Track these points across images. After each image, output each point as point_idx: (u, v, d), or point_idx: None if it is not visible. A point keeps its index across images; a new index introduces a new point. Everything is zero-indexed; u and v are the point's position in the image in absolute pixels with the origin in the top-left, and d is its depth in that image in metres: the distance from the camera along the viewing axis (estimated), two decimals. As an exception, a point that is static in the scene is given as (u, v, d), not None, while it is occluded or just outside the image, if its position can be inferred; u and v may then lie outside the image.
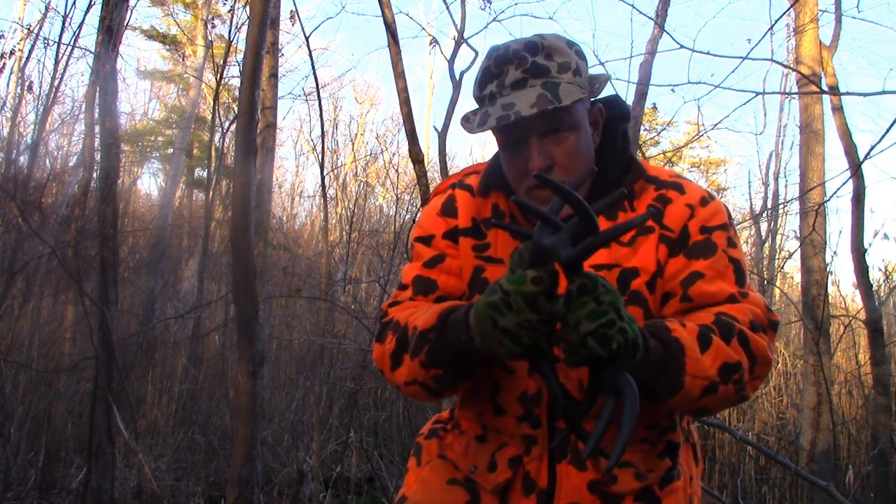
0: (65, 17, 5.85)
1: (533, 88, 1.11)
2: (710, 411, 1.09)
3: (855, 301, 7.23)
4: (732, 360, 1.04)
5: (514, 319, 0.97)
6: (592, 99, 1.22)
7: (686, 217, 1.18)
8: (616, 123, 1.25)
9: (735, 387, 1.05)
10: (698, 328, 1.05)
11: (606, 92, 1.25)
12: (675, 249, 1.17)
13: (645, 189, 1.21)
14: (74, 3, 6.86)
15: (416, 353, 1.12)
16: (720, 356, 1.04)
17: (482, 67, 1.17)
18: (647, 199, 1.20)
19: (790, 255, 9.09)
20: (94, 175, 4.99)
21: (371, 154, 13.82)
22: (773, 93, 10.04)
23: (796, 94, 6.55)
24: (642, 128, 8.32)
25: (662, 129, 12.36)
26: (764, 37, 7.42)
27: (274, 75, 5.25)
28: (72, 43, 5.79)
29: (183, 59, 12.69)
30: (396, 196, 9.74)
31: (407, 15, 11.55)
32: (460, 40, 4.62)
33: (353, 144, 14.25)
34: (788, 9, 5.80)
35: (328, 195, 8.14)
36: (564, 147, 1.14)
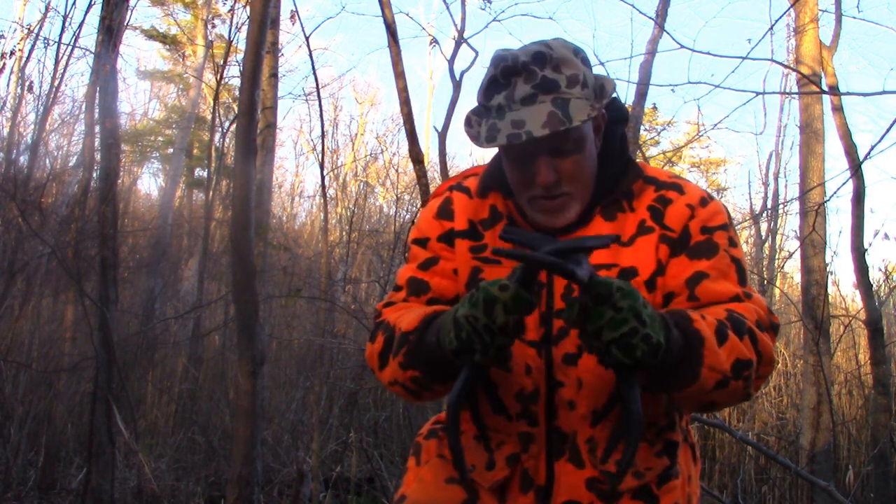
0: (65, 17, 5.88)
1: (543, 105, 1.10)
2: (717, 406, 1.11)
3: (855, 301, 7.23)
4: (745, 356, 1.05)
5: (466, 311, 1.01)
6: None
7: (687, 217, 1.19)
8: (615, 126, 1.25)
9: (744, 383, 1.06)
10: (716, 322, 1.06)
11: None
12: (677, 249, 1.18)
13: (644, 189, 1.22)
14: (74, 3, 6.89)
15: (396, 353, 1.15)
16: (734, 352, 1.05)
17: (488, 76, 1.15)
18: (646, 200, 1.21)
19: (790, 255, 9.10)
20: (94, 175, 4.99)
21: (371, 154, 13.84)
22: (773, 93, 10.07)
23: (796, 94, 6.55)
24: (642, 128, 8.31)
25: (662, 129, 12.36)
26: (764, 37, 7.46)
27: (274, 75, 5.24)
28: (72, 43, 5.80)
29: (183, 59, 12.69)
30: (396, 196, 9.75)
31: (407, 15, 11.50)
32: (460, 40, 4.61)
33: (353, 144, 14.28)
34: (788, 9, 5.80)
35: (328, 195, 8.13)
36: (572, 161, 1.15)
